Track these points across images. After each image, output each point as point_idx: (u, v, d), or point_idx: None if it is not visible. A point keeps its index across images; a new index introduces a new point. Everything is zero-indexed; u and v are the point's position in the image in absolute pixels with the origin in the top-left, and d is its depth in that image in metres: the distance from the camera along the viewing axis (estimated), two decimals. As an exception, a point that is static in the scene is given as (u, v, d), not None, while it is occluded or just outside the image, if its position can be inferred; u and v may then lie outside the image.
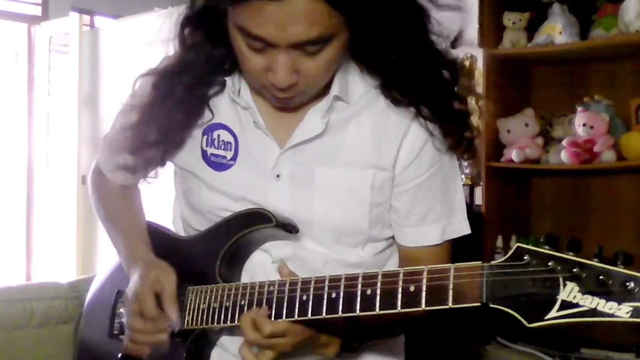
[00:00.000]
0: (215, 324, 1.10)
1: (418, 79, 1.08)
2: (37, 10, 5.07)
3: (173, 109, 1.14)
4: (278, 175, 1.13)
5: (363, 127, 1.12)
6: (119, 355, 1.21)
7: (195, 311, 1.13)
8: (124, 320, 1.23)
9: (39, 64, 5.02)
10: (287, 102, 1.08)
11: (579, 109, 2.69)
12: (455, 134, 1.11)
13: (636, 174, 2.74)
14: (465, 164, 3.12)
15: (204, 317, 1.12)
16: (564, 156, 2.67)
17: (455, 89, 1.11)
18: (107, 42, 4.63)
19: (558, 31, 2.68)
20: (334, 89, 1.10)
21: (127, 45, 4.22)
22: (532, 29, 2.81)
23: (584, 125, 2.63)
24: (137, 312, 1.14)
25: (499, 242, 2.85)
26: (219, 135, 1.17)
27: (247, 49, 1.01)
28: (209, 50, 1.11)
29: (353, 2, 0.97)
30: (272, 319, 1.02)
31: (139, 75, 1.18)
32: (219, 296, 1.11)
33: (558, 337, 2.65)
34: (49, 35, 4.90)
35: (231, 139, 1.16)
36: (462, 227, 1.18)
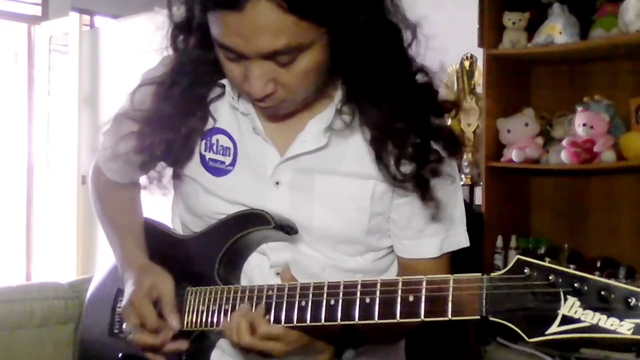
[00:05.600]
0: (215, 326, 1.09)
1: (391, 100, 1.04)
2: (37, 10, 5.07)
3: (176, 115, 1.12)
4: (277, 183, 1.12)
5: (365, 139, 1.10)
6: (119, 354, 1.21)
7: (195, 312, 1.13)
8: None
9: (39, 64, 5.02)
10: (272, 110, 1.07)
11: (579, 109, 2.68)
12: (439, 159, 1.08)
13: (636, 174, 2.73)
14: (466, 163, 3.11)
15: (203, 319, 1.11)
16: (564, 156, 2.66)
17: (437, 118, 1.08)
18: (107, 42, 4.63)
19: (558, 31, 2.67)
20: (336, 103, 1.08)
21: (127, 45, 4.22)
22: (532, 29, 2.80)
23: (584, 125, 2.62)
24: (138, 325, 1.12)
25: (499, 242, 2.84)
26: (217, 140, 1.16)
27: (224, 58, 1.00)
28: (202, 54, 1.08)
29: (322, 11, 0.93)
30: (271, 323, 1.01)
31: (136, 85, 1.16)
32: (218, 298, 1.10)
33: (558, 337, 2.64)
34: (49, 35, 4.90)
35: (230, 145, 1.15)
36: (461, 240, 1.17)
